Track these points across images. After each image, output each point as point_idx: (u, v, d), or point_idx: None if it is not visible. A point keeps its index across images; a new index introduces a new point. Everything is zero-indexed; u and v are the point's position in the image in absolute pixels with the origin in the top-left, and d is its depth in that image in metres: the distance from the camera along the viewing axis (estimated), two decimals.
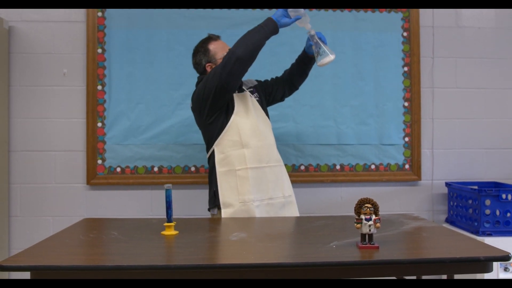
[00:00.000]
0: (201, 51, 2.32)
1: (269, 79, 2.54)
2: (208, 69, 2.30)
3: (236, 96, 2.26)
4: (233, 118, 2.20)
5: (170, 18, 2.88)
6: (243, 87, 2.34)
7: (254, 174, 2.18)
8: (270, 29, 2.11)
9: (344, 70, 2.97)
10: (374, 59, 2.98)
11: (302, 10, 2.12)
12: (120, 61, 2.87)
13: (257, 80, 2.50)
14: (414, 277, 2.00)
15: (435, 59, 3.06)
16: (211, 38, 2.33)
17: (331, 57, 2.16)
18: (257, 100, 2.34)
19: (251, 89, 2.38)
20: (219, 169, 2.20)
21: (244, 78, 2.26)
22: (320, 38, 2.20)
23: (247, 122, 2.22)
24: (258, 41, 2.10)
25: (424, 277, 1.97)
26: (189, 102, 2.87)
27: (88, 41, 2.86)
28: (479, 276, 2.56)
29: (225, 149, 2.20)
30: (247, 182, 2.16)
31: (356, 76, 2.98)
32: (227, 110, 2.23)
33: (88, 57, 2.86)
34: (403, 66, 3.01)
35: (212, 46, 2.30)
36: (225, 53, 2.19)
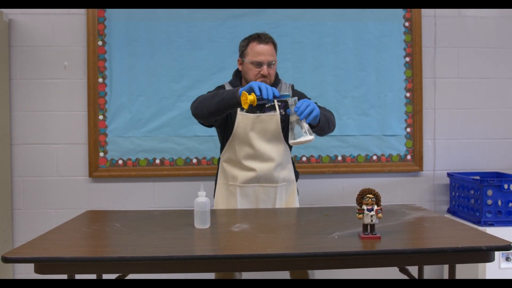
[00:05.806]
0: (244, 41, 2.21)
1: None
2: (238, 64, 2.24)
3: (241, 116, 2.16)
4: (230, 139, 2.19)
5: (170, 10, 2.87)
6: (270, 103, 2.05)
7: (243, 191, 2.20)
8: (228, 101, 1.96)
9: (345, 61, 2.95)
10: (375, 50, 2.97)
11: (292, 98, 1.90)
12: (120, 53, 2.86)
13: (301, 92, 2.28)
14: (416, 267, 2.01)
15: (437, 49, 3.04)
16: (256, 38, 2.17)
17: (310, 137, 1.89)
18: (280, 117, 2.17)
19: (280, 104, 2.19)
20: (218, 181, 2.28)
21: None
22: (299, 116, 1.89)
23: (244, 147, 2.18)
24: (214, 105, 2.00)
25: (426, 267, 1.97)
26: (189, 94, 2.89)
27: (88, 34, 2.85)
28: (480, 265, 2.57)
29: (223, 163, 2.26)
30: (234, 197, 2.22)
31: (358, 66, 2.96)
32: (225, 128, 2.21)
33: (88, 49, 2.85)
34: (404, 57, 2.99)
35: (250, 47, 2.17)
36: (254, 60, 2.13)
